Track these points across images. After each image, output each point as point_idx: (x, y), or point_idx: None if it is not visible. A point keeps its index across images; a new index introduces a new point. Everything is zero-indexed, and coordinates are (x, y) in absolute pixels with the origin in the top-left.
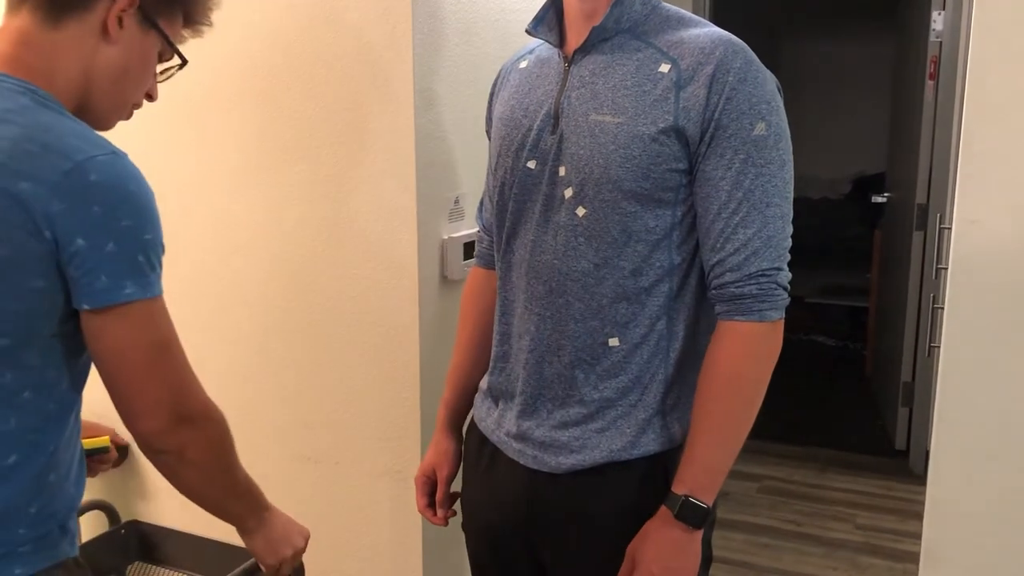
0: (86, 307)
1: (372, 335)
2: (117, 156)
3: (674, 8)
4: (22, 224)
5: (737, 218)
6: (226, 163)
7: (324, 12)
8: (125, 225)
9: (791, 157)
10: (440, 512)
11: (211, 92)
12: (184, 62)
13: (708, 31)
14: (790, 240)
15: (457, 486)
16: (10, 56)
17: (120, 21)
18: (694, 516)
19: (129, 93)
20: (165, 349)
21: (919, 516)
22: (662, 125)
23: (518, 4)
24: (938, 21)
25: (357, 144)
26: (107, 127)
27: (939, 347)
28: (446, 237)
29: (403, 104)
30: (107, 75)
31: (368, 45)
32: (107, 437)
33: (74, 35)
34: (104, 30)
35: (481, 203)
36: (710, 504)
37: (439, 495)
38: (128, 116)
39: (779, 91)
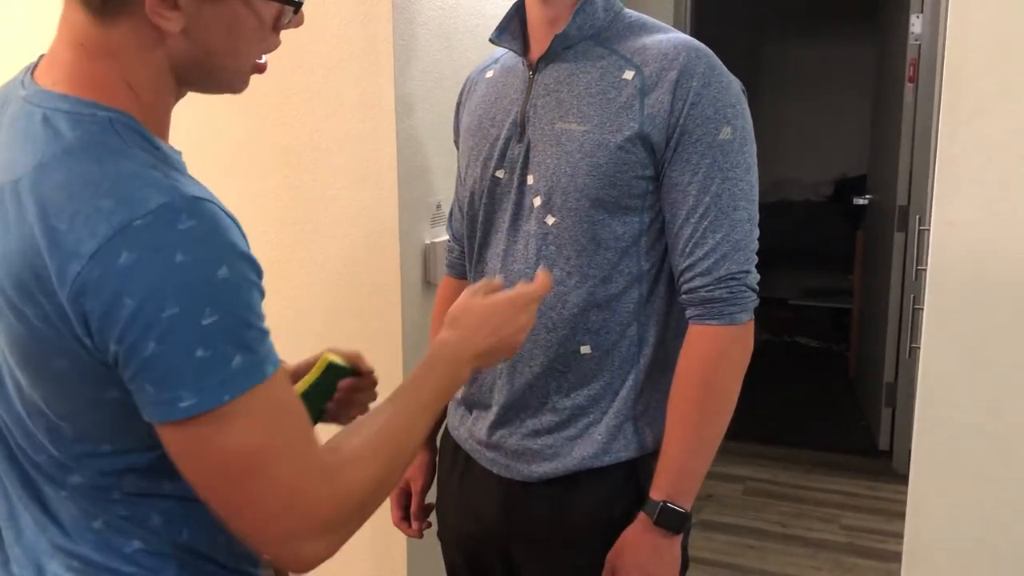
0: (147, 420)
1: (355, 341)
2: (162, 212)
3: (636, 14)
4: (64, 331)
5: (705, 223)
6: (206, 169)
7: (304, 18)
8: (169, 315)
9: (755, 160)
10: (415, 524)
11: (190, 99)
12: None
13: (671, 37)
14: (757, 242)
15: (432, 496)
16: (70, 66)
17: (169, 3)
18: (673, 521)
19: (236, 63)
20: (257, 463)
21: (904, 516)
22: (627, 133)
23: (496, 11)
24: (916, 24)
25: (338, 150)
26: (237, 92)
27: (920, 348)
28: (428, 242)
29: (384, 110)
30: (190, 66)
31: (348, 52)
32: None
33: (128, 32)
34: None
35: (451, 213)
36: (688, 509)
37: (413, 507)
38: (259, 70)
39: (744, 95)
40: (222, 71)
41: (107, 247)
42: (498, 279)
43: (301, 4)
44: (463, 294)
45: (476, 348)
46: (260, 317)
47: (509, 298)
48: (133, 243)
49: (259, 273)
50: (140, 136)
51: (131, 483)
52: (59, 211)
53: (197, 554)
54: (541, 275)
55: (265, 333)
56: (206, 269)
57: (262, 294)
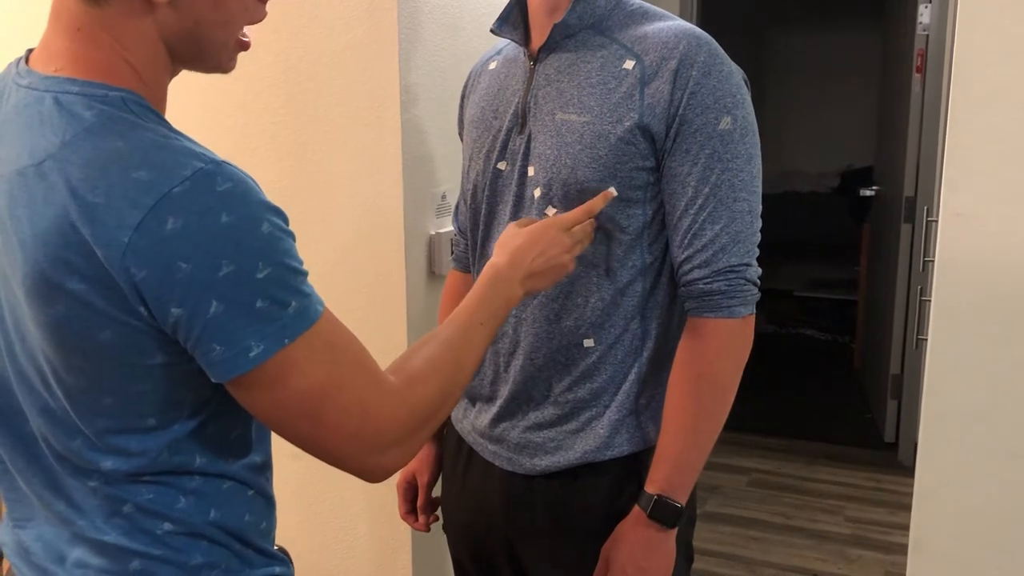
0: (214, 380)
1: (359, 331)
2: (199, 177)
3: (638, 1)
4: (112, 301)
5: (704, 214)
6: None
7: (309, 8)
8: (226, 274)
9: (758, 151)
10: (422, 518)
11: (195, 88)
12: None
13: (672, 24)
14: (759, 235)
15: (439, 490)
16: (70, 53)
17: None
18: (667, 515)
19: (223, 35)
20: (327, 393)
21: (908, 508)
22: (628, 124)
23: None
24: (925, 14)
25: (343, 140)
26: (225, 71)
27: (927, 340)
28: (433, 233)
29: (389, 100)
30: (180, 39)
31: (353, 41)
32: None
33: (119, 6)
34: None
35: (456, 206)
36: (683, 503)
37: (420, 501)
38: (244, 47)
39: (746, 84)
40: (212, 43)
41: (151, 216)
42: (535, 217)
43: None
44: (508, 227)
45: (526, 268)
46: (301, 262)
47: (550, 222)
48: (177, 209)
49: (287, 221)
50: (152, 112)
51: (164, 461)
52: (93, 186)
53: (226, 532)
54: (607, 192)
55: (307, 275)
56: (251, 226)
57: (294, 239)
